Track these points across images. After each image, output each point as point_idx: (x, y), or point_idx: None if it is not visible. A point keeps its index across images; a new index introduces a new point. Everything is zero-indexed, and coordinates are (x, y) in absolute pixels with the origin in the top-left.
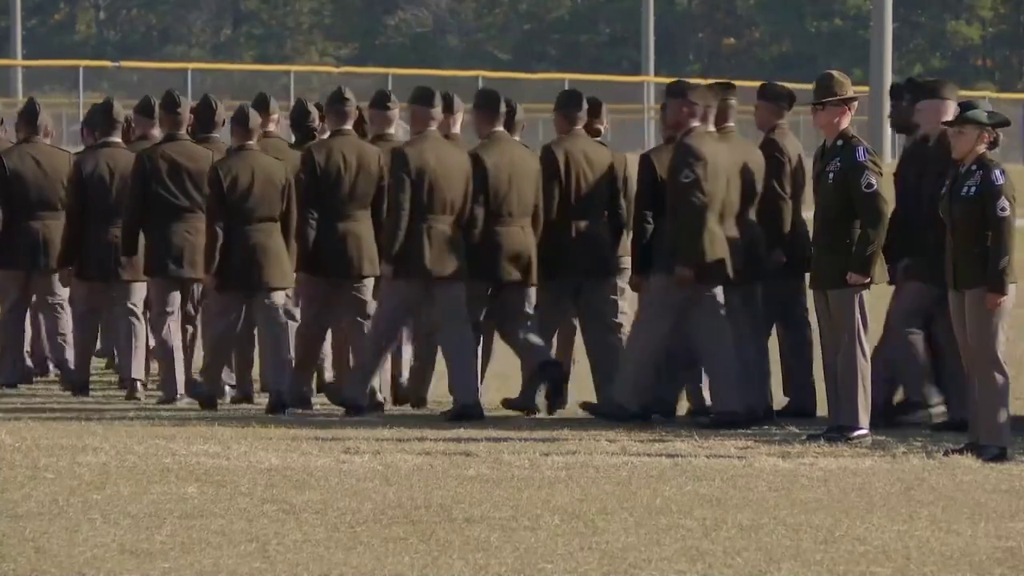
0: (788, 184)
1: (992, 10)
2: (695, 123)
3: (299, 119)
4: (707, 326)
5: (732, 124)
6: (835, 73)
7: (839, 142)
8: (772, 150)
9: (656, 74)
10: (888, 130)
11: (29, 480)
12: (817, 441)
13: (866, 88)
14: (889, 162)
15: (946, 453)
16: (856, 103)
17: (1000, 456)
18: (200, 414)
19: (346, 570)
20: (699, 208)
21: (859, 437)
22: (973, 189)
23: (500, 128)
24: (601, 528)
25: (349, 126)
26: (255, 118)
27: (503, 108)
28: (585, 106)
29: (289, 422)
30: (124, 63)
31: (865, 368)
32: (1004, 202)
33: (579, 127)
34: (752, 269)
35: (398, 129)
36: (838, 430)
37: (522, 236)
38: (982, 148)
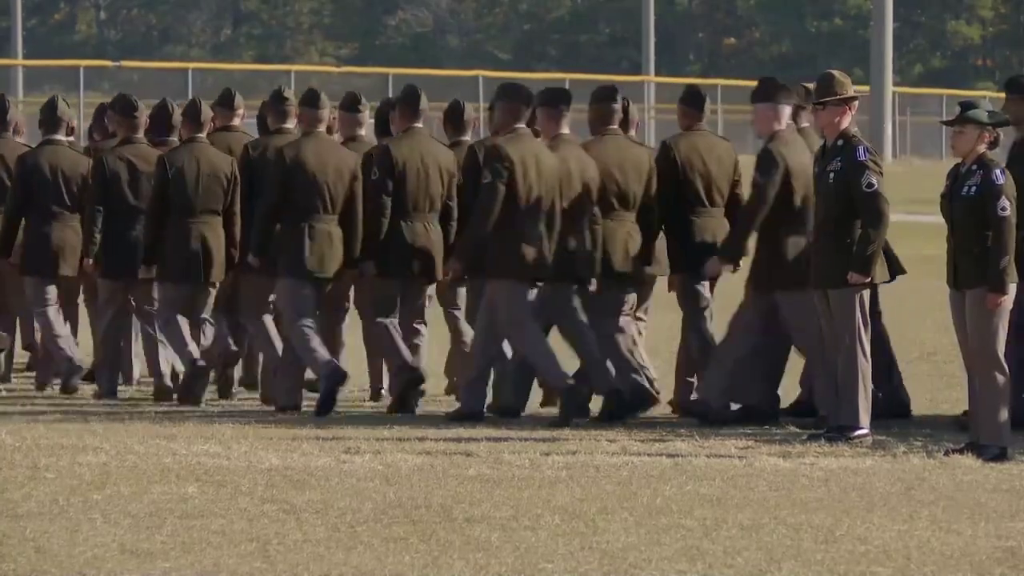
0: None
1: (992, 10)
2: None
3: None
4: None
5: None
6: (835, 73)
7: (840, 142)
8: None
9: (656, 74)
10: (889, 130)
11: (29, 480)
12: (818, 441)
13: (866, 88)
14: (890, 162)
15: (947, 453)
16: (857, 103)
17: (1001, 456)
18: (199, 413)
19: (346, 570)
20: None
21: (860, 437)
22: (973, 189)
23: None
24: (601, 528)
25: (290, 125)
26: (206, 112)
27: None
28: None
29: (290, 422)
30: (124, 63)
31: (866, 368)
32: (1004, 202)
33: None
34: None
35: (368, 131)
36: (839, 430)
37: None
38: (982, 148)
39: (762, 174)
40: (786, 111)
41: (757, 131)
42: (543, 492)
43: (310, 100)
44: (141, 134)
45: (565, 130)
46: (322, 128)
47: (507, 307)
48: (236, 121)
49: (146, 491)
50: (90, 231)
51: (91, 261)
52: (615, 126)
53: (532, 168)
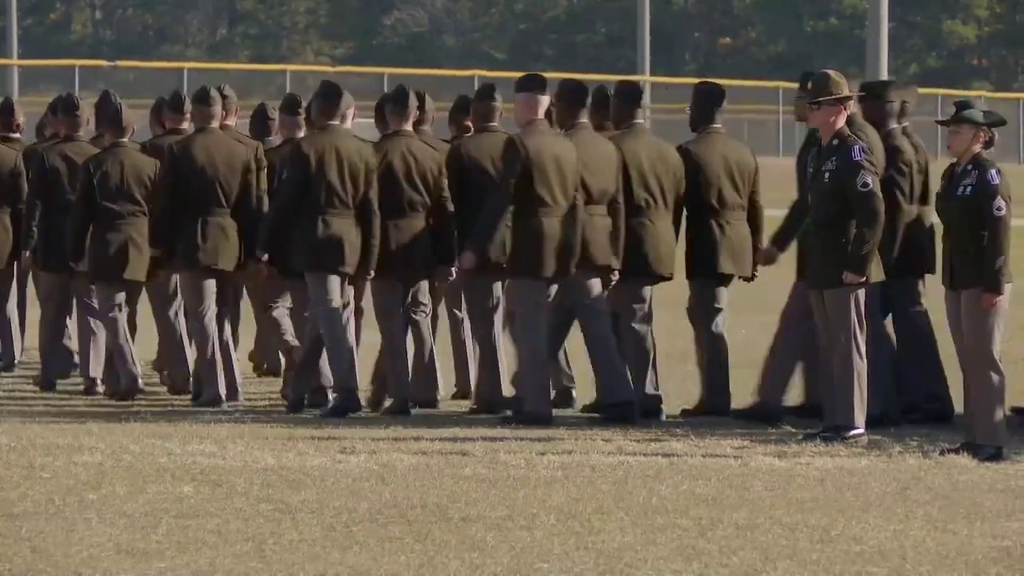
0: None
1: (988, 10)
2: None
3: (259, 118)
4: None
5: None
6: (831, 72)
7: (835, 141)
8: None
9: (652, 74)
10: None
11: (25, 480)
12: (813, 441)
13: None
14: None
15: (942, 453)
16: (852, 102)
17: (996, 456)
18: (195, 413)
19: (342, 569)
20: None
21: (855, 436)
22: (969, 189)
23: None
24: (597, 527)
25: (215, 124)
26: (128, 116)
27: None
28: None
29: (286, 421)
30: (120, 63)
31: (861, 367)
32: (1000, 202)
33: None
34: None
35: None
36: (834, 430)
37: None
38: (978, 148)
39: (505, 165)
40: (544, 101)
41: (515, 119)
42: (539, 492)
43: (201, 98)
44: (82, 132)
45: (584, 119)
46: (215, 124)
47: (522, 305)
48: (186, 124)
49: (142, 491)
50: (28, 225)
51: (28, 254)
52: (584, 120)
53: (550, 161)
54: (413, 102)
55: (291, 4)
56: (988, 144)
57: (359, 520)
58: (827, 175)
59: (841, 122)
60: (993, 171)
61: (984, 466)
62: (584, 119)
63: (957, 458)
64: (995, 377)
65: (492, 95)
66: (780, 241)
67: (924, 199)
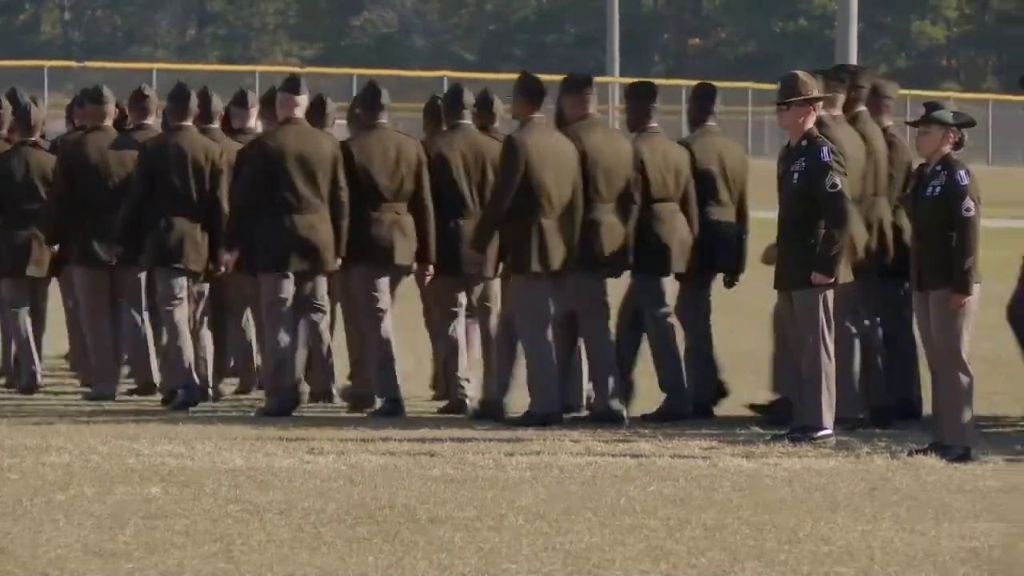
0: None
1: (957, 10)
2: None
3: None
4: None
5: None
6: (800, 73)
7: (804, 142)
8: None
9: (621, 75)
10: None
11: None
12: (781, 441)
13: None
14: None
15: (910, 453)
16: (821, 103)
17: (964, 456)
18: (163, 413)
19: (310, 570)
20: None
21: (823, 437)
22: (938, 189)
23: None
24: (565, 528)
25: (108, 123)
26: (37, 114)
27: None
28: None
29: (254, 422)
30: (89, 63)
31: (829, 368)
32: (969, 202)
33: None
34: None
35: (258, 124)
36: (802, 430)
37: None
38: (947, 148)
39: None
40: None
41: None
42: (507, 493)
43: (94, 97)
44: (38, 135)
45: (592, 110)
46: (107, 123)
47: (523, 303)
48: (107, 122)
49: (110, 492)
50: None
51: None
52: (591, 111)
53: (548, 158)
54: (387, 98)
55: (260, 5)
56: (958, 145)
57: (327, 521)
58: (796, 176)
59: (810, 123)
60: (962, 172)
61: (952, 467)
62: (594, 114)
63: (925, 459)
64: (964, 378)
65: (461, 95)
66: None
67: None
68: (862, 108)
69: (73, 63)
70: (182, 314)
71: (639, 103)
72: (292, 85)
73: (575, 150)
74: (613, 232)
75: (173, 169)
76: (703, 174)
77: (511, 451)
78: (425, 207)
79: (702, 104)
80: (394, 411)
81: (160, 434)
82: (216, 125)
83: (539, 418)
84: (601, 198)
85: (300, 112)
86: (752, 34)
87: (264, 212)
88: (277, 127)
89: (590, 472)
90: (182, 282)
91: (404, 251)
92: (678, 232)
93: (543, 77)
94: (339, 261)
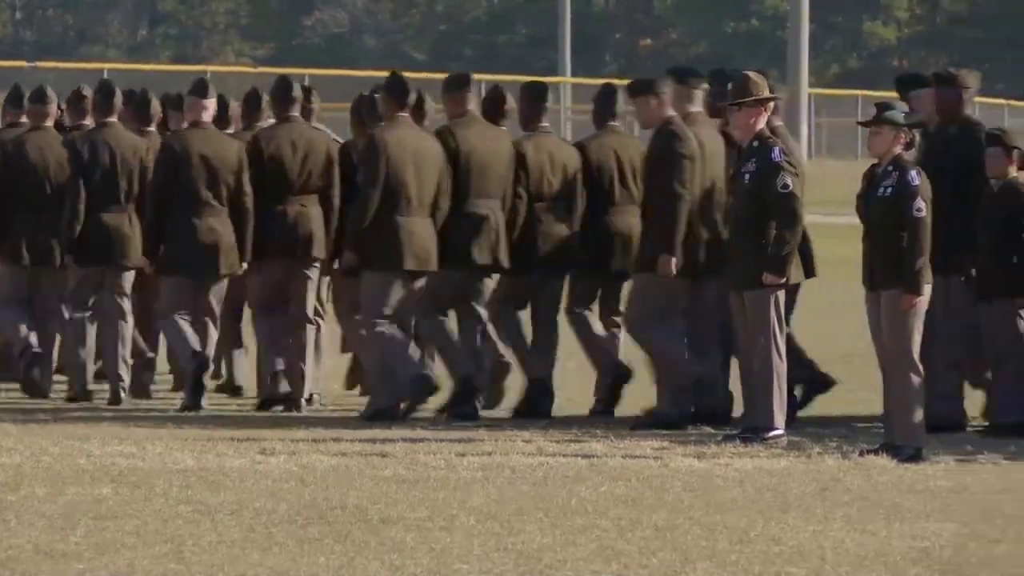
0: None
1: (908, 11)
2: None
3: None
4: None
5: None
6: (751, 74)
7: (755, 143)
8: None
9: (573, 75)
10: (805, 130)
11: None
12: (732, 442)
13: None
14: (805, 163)
15: (861, 454)
16: (773, 104)
17: (915, 457)
18: (115, 414)
19: (262, 571)
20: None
21: (774, 438)
22: (889, 190)
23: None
24: (517, 529)
25: (50, 123)
26: None
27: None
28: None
29: (205, 422)
30: (40, 63)
31: (781, 368)
32: (920, 203)
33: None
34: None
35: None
36: (753, 431)
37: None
38: (898, 149)
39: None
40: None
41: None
42: (458, 493)
43: (37, 97)
44: None
45: (471, 107)
46: (49, 123)
47: (370, 298)
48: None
49: (61, 492)
50: None
51: None
52: (470, 108)
53: (409, 156)
54: (298, 91)
55: (212, 5)
56: (909, 146)
57: (279, 521)
58: (747, 176)
59: (761, 123)
60: (913, 172)
61: (903, 467)
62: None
63: (876, 459)
64: (914, 378)
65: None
66: None
67: None
68: (698, 109)
69: (24, 63)
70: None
71: (531, 103)
72: (200, 89)
73: (440, 149)
74: (487, 229)
75: (99, 165)
76: (599, 174)
77: (462, 451)
78: (331, 202)
79: (604, 104)
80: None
81: (111, 435)
82: (152, 128)
83: (380, 413)
84: (475, 195)
85: (208, 116)
86: (704, 34)
87: (172, 214)
88: (183, 130)
89: (541, 472)
90: (115, 278)
91: (315, 245)
92: (555, 231)
93: (495, 78)
94: (244, 265)
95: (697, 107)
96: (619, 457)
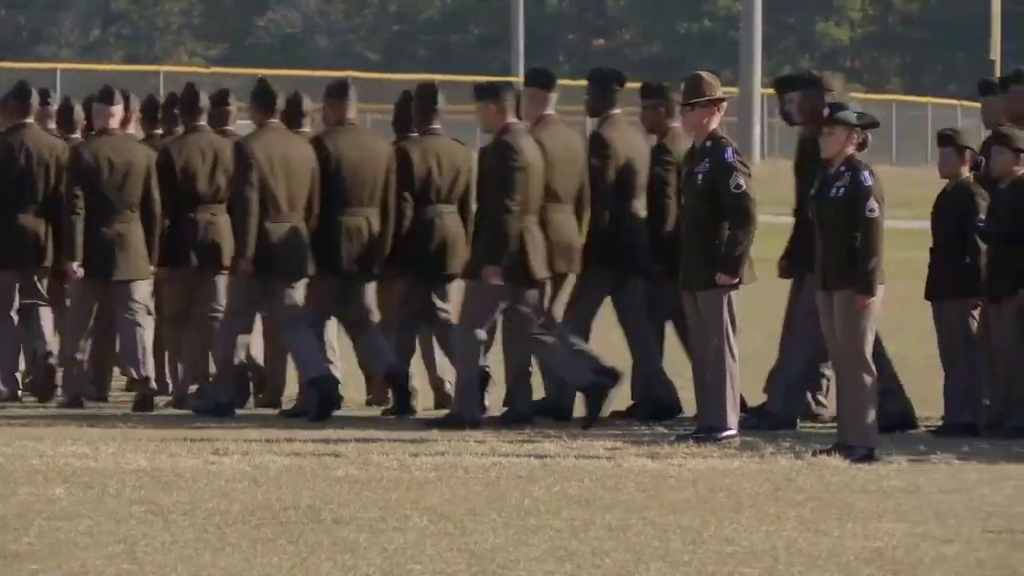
0: None
1: (861, 12)
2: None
3: (67, 116)
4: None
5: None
6: (704, 74)
7: (708, 143)
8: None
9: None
10: (757, 131)
11: None
12: (686, 442)
13: (735, 89)
14: (758, 163)
15: (814, 454)
16: (725, 104)
17: (868, 457)
18: (70, 414)
19: (215, 571)
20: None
21: (727, 438)
22: (842, 190)
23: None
24: (470, 529)
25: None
26: None
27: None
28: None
29: (158, 423)
30: None
31: (734, 368)
32: (873, 203)
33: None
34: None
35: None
36: (707, 431)
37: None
38: (851, 149)
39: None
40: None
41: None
42: (411, 493)
43: (18, 95)
44: None
45: (550, 111)
46: (30, 120)
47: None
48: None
49: (13, 493)
50: None
51: None
52: (349, 116)
53: (279, 162)
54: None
55: (164, 5)
56: (861, 146)
57: (232, 522)
58: (700, 176)
59: (715, 123)
60: (866, 172)
61: (856, 467)
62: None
63: (829, 459)
64: (867, 378)
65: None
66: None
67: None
68: (550, 112)
69: None
70: (48, 312)
71: (423, 104)
72: (106, 96)
73: (312, 154)
74: (360, 234)
75: (15, 166)
76: (423, 175)
77: (415, 451)
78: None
79: (424, 105)
80: (221, 412)
81: (64, 435)
82: (78, 134)
83: (213, 408)
84: (349, 201)
85: (115, 122)
86: (656, 35)
87: (84, 218)
88: (92, 137)
89: (495, 473)
90: (35, 283)
91: (222, 253)
92: (444, 233)
93: (448, 78)
94: (152, 269)
95: (551, 110)
96: (572, 457)
